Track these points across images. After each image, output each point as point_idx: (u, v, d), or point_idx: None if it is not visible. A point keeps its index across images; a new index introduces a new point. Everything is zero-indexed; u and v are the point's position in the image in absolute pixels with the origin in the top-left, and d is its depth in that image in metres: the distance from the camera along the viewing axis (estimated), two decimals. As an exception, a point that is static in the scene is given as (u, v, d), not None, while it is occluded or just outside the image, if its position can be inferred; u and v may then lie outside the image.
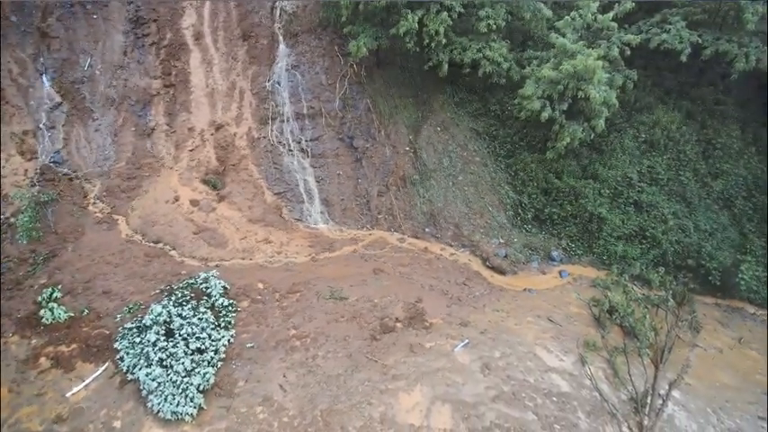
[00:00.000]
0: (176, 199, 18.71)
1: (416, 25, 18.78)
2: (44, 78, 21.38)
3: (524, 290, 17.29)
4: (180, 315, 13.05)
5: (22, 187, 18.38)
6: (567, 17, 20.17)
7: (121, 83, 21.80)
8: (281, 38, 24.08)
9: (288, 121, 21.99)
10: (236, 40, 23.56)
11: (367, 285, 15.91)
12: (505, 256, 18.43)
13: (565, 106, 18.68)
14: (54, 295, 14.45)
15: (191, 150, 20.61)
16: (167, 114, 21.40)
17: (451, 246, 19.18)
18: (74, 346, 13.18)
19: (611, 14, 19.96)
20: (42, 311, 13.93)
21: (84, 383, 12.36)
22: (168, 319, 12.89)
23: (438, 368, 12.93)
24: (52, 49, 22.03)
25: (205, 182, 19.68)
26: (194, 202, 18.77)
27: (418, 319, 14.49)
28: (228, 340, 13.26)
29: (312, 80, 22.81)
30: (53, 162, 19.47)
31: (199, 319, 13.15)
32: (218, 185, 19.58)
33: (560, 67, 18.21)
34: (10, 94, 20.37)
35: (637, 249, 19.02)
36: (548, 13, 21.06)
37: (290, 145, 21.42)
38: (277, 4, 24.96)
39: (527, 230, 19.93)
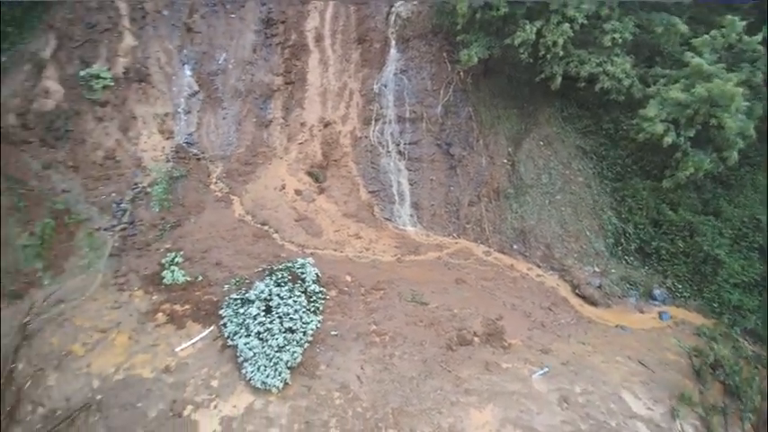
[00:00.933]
0: (283, 187, 20.44)
1: (534, 36, 18.31)
2: (186, 68, 24.52)
3: (616, 326, 16.17)
4: (278, 295, 14.39)
5: (159, 162, 21.38)
6: (706, 36, 18.21)
7: (249, 77, 24.21)
8: (393, 42, 24.93)
9: (390, 123, 22.77)
10: (351, 43, 24.89)
11: (448, 294, 16.06)
12: (599, 287, 17.36)
13: (692, 133, 16.98)
14: (175, 260, 16.75)
15: (300, 144, 22.30)
16: (284, 109, 23.35)
17: (539, 267, 18.53)
18: (187, 306, 15.19)
19: (759, 37, 17.66)
20: (164, 273, 16.26)
21: (191, 341, 14.21)
22: (268, 297, 14.29)
23: (513, 391, 12.72)
24: (194, 43, 25.16)
25: (309, 174, 21.21)
26: (298, 192, 20.37)
27: (497, 338, 14.34)
28: (316, 325, 14.32)
29: (418, 85, 23.32)
30: (186, 143, 22.32)
31: (294, 301, 14.37)
32: (320, 178, 21.00)
33: (692, 90, 16.57)
34: (157, 80, 23.69)
35: (755, 300, 16.81)
36: (683, 28, 19.19)
37: (388, 146, 22.19)
38: (393, 9, 25.88)
39: (627, 262, 18.50)
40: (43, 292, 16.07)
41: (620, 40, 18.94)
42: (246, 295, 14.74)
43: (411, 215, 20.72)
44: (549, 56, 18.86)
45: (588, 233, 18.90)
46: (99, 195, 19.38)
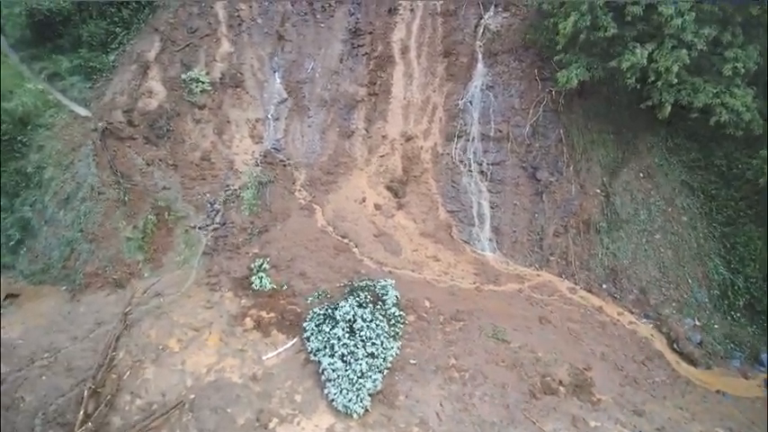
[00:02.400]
0: (363, 200, 20.54)
1: (645, 61, 16.97)
2: (276, 75, 25.30)
3: (716, 391, 14.68)
4: (362, 317, 14.43)
5: (249, 165, 22.24)
6: None
7: (334, 87, 24.55)
8: (480, 56, 24.24)
9: (472, 141, 22.19)
10: (437, 56, 24.50)
11: (531, 334, 15.37)
12: (700, 344, 15.86)
13: (825, 181, 15.05)
14: (263, 266, 17.36)
15: (381, 156, 22.31)
16: (366, 120, 23.45)
17: (632, 312, 17.25)
18: (272, 314, 15.65)
19: None
20: (253, 278, 16.90)
21: (276, 351, 14.63)
22: (353, 319, 14.37)
23: (603, 453, 11.91)
24: (285, 50, 25.89)
25: (389, 188, 21.17)
26: (377, 206, 20.39)
27: (585, 390, 13.50)
28: (396, 351, 14.22)
29: (505, 102, 22.52)
30: (273, 148, 23.04)
31: (376, 324, 14.36)
32: (399, 193, 20.89)
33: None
34: (249, 86, 24.62)
35: None
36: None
37: (470, 165, 21.63)
38: (482, 21, 25.15)
39: (733, 319, 16.77)
40: (143, 284, 17.25)
41: (743, 70, 17.13)
42: (329, 312, 14.93)
43: (490, 240, 20.09)
44: (660, 83, 17.43)
45: (690, 281, 17.33)
46: (195, 195, 20.50)
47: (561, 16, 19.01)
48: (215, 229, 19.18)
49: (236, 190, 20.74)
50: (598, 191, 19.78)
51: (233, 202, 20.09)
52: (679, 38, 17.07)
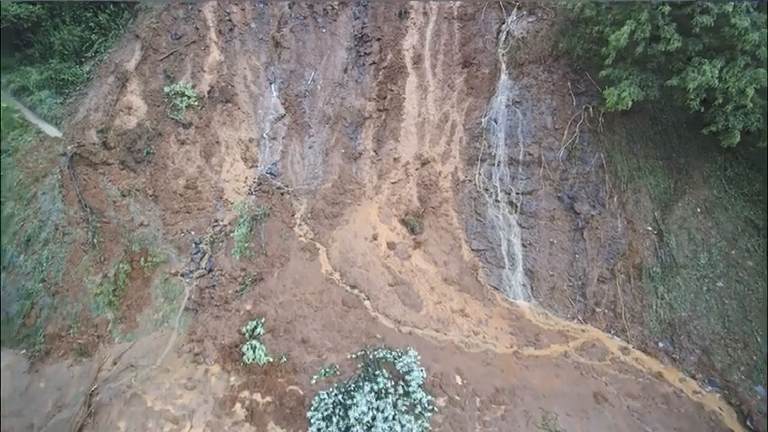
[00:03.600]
0: (374, 237, 17.74)
1: (715, 81, 14.20)
2: (272, 88, 22.38)
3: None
4: (383, 416, 11.65)
5: (241, 194, 19.38)
6: None
7: (338, 101, 21.67)
8: (503, 67, 21.40)
9: (499, 165, 19.39)
10: (455, 66, 21.64)
11: (588, 419, 12.70)
12: (782, 420, 13.27)
13: None
14: (257, 330, 14.54)
15: (393, 183, 19.49)
16: (376, 140, 20.60)
17: (694, 377, 14.59)
18: (268, 398, 12.92)
19: None
20: (245, 347, 14.06)
21: (274, 447, 11.92)
22: (371, 421, 11.60)
23: None
24: (282, 59, 22.95)
25: (403, 222, 18.37)
26: (391, 245, 17.59)
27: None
28: (424, 450, 11.54)
29: (535, 121, 19.72)
30: (269, 173, 20.16)
31: (401, 426, 11.58)
32: (415, 229, 18.09)
33: None
34: (242, 101, 21.69)
35: None
36: None
37: (497, 194, 18.84)
38: (504, 27, 22.30)
39: (820, 387, 14.20)
40: (113, 350, 14.47)
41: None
42: (340, 399, 12.18)
43: (524, 285, 17.33)
44: (729, 107, 14.69)
45: (759, 339, 14.70)
46: (177, 232, 17.64)
47: (608, 23, 16.20)
48: (200, 277, 16.33)
49: (225, 226, 17.89)
50: (649, 228, 17.04)
51: (222, 242, 17.24)
52: (753, 55, 14.35)
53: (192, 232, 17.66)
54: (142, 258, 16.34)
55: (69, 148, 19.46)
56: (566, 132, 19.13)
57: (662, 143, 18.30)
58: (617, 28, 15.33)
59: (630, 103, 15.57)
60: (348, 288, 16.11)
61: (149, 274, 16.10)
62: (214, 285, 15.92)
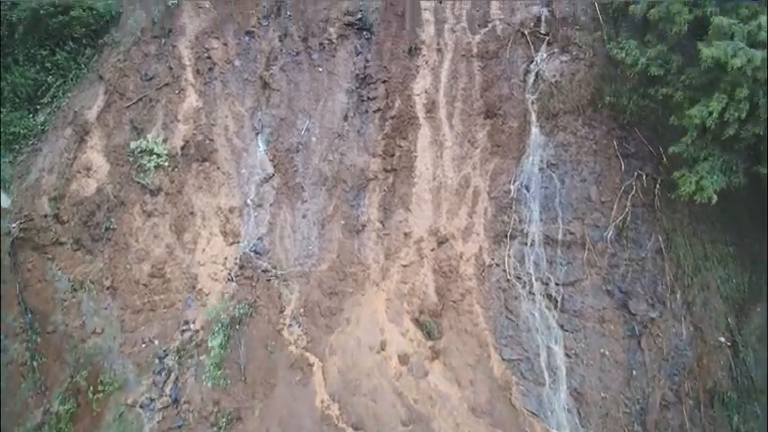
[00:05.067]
0: (382, 347, 14.36)
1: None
2: (259, 140, 18.94)
3: None
4: None
5: (219, 281, 16.03)
6: None
7: (337, 157, 18.25)
8: (534, 118, 17.95)
9: (532, 245, 15.99)
10: (475, 116, 18.19)
11: None
12: None
13: None
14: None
15: (404, 266, 16.12)
16: (382, 208, 17.20)
17: None
18: None
19: None
20: None
21: None
22: None
23: None
24: (271, 104, 19.51)
25: (417, 323, 14.99)
26: (403, 359, 14.23)
27: None
28: None
29: (575, 190, 16.30)
30: (254, 251, 16.80)
31: None
32: (433, 332, 14.72)
33: None
34: (222, 158, 18.29)
35: None
36: None
37: (531, 284, 15.45)
38: (532, 66, 18.82)
39: None
40: None
41: None
42: None
43: (569, 411, 13.94)
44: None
45: None
46: (138, 342, 14.30)
47: (680, 86, 12.70)
48: (164, 408, 13.01)
49: (197, 332, 14.54)
50: (721, 338, 13.69)
51: (192, 357, 13.88)
52: None
53: (156, 341, 14.30)
54: (91, 388, 12.97)
55: (14, 226, 16.14)
56: (614, 206, 15.71)
57: (730, 224, 14.85)
58: (696, 96, 11.92)
59: (714, 194, 12.09)
60: (350, 430, 12.78)
61: (100, 409, 12.79)
62: (180, 426, 12.62)
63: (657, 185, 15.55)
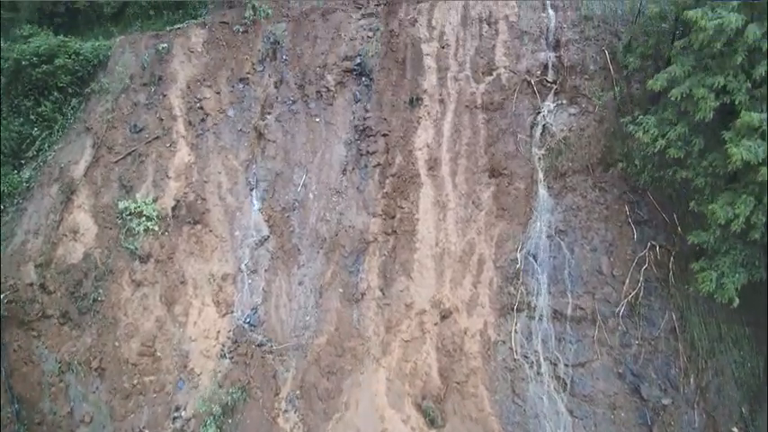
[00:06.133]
0: (382, 437, 13.72)
1: None
2: (253, 197, 18.16)
3: None
4: None
5: (212, 359, 15.35)
6: None
7: (335, 217, 17.46)
8: (541, 177, 17.13)
9: (540, 320, 15.26)
10: (480, 174, 17.35)
11: None
12: None
13: None
14: None
15: (405, 341, 15.41)
16: (382, 275, 16.44)
17: None
18: None
19: None
20: None
21: None
22: None
23: None
24: (266, 156, 18.72)
25: (420, 408, 14.30)
26: (405, 451, 13.60)
27: None
28: None
29: (585, 261, 15.53)
30: (248, 323, 16.10)
31: None
32: (436, 420, 14.02)
33: None
34: (215, 219, 17.52)
35: None
36: None
37: (539, 365, 14.74)
38: (538, 119, 17.96)
39: None
40: None
41: None
42: None
43: None
44: None
45: None
46: (128, 431, 13.63)
47: (703, 174, 11.83)
48: None
49: (188, 420, 13.88)
50: (735, 429, 13.00)
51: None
52: None
53: (146, 430, 13.65)
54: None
55: (2, 297, 15.45)
56: (626, 280, 14.94)
57: (745, 302, 14.03)
58: (719, 184, 11.12)
59: (735, 293, 11.30)
60: None
61: None
62: None
63: (672, 258, 14.79)
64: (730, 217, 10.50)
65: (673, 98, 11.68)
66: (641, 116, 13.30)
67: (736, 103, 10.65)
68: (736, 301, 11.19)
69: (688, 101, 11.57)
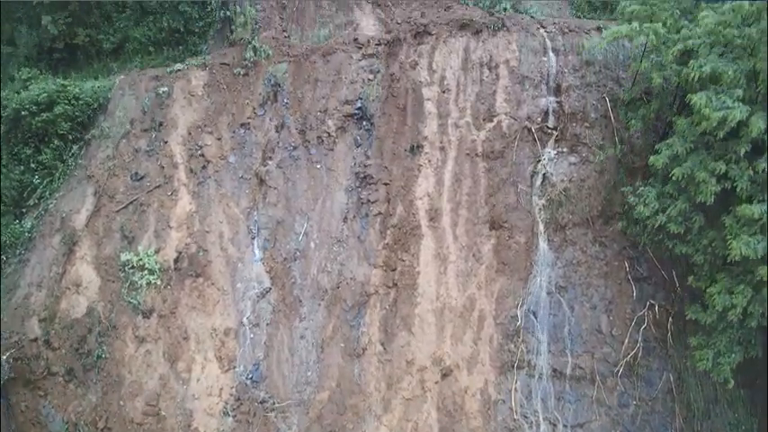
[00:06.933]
0: (384, 504, 14.00)
1: None
2: (255, 246, 18.21)
3: None
4: None
5: (215, 416, 15.56)
6: None
7: (336, 267, 17.57)
8: (541, 229, 17.22)
9: (540, 378, 15.45)
10: (480, 226, 17.42)
11: None
12: None
13: None
14: None
15: (407, 399, 15.62)
16: (383, 330, 16.61)
17: None
18: None
19: None
20: None
21: None
22: None
23: None
24: (268, 203, 18.74)
25: (421, 471, 14.57)
26: None
27: None
28: None
29: (585, 320, 15.68)
30: (250, 379, 16.28)
31: None
32: (437, 484, 14.30)
33: None
34: (217, 271, 17.59)
35: None
36: None
37: (539, 425, 14.96)
38: (539, 167, 18.00)
39: None
40: None
41: None
42: None
43: None
44: None
45: None
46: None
47: (702, 251, 11.91)
48: None
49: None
50: (733, 493, 13.26)
51: None
52: None
53: (152, 499, 13.96)
54: None
55: (7, 356, 15.60)
56: (625, 340, 15.10)
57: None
58: (717, 263, 11.21)
59: (730, 372, 11.47)
60: None
61: None
62: None
63: (670, 318, 14.94)
64: (728, 305, 10.59)
65: (674, 177, 11.70)
66: (641, 187, 13.32)
67: (738, 190, 10.68)
68: (731, 382, 11.32)
69: (689, 180, 11.60)
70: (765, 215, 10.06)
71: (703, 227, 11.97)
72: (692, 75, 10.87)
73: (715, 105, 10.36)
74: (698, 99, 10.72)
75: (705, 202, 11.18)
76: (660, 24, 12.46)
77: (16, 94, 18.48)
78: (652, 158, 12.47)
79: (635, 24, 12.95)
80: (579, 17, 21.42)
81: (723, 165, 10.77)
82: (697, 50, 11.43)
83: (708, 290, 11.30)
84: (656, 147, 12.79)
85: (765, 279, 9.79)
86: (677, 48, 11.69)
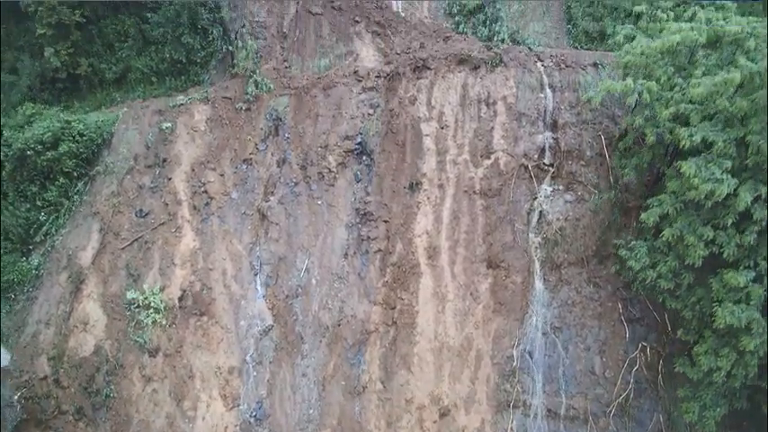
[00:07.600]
0: None
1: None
2: (257, 282, 18.61)
3: None
4: None
5: (221, 455, 16.07)
6: None
7: (337, 304, 17.99)
8: (537, 267, 17.61)
9: (535, 417, 15.94)
10: (478, 264, 17.83)
11: None
12: None
13: None
14: None
15: (405, 438, 16.09)
16: (383, 368, 17.08)
17: None
18: None
19: None
20: None
21: None
22: None
23: None
24: (270, 238, 19.10)
25: None
26: None
27: None
28: None
29: (579, 361, 16.15)
30: (254, 417, 16.79)
31: None
32: None
33: None
34: (221, 309, 18.01)
35: None
36: None
37: (533, 465, 15.48)
38: (535, 204, 18.36)
39: None
40: None
41: None
42: None
43: None
44: None
45: None
46: None
47: (691, 307, 12.33)
48: None
49: None
50: None
51: None
52: None
53: None
54: None
55: (18, 396, 16.08)
56: (618, 382, 15.57)
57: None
58: (706, 320, 11.63)
59: (714, 426, 11.95)
60: None
61: None
62: None
63: (661, 361, 15.39)
64: (713, 367, 11.03)
65: (664, 237, 12.07)
66: (633, 241, 13.68)
67: (726, 257, 11.06)
68: (713, 428, 11.78)
69: (678, 240, 11.97)
70: (750, 283, 10.45)
71: (692, 285, 12.38)
72: (683, 143, 11.19)
73: (704, 176, 10.71)
74: (687, 168, 11.06)
75: (694, 264, 11.56)
76: (654, 83, 12.74)
77: (21, 134, 18.74)
78: (643, 215, 12.84)
79: (629, 81, 13.24)
80: (576, 47, 21.59)
81: (711, 231, 11.14)
82: (689, 115, 11.74)
83: (695, 348, 11.73)
84: (648, 202, 13.13)
85: (749, 349, 10.19)
86: (670, 111, 12.00)
